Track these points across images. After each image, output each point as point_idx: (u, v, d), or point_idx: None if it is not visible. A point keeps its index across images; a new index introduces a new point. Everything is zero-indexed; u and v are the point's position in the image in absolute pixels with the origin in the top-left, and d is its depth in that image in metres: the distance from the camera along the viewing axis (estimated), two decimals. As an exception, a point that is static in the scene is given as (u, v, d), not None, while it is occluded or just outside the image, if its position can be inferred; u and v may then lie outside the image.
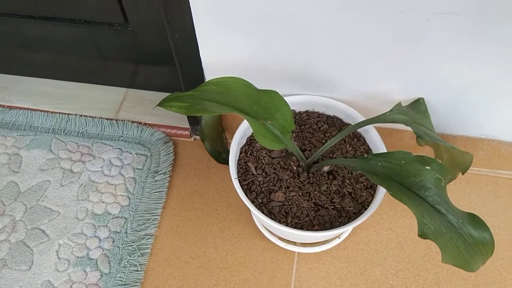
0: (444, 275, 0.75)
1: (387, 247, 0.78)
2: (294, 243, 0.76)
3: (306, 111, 0.74)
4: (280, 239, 0.77)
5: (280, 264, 0.77)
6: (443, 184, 0.56)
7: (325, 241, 0.76)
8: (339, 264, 0.76)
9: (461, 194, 0.83)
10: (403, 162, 0.56)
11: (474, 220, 0.55)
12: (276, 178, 0.68)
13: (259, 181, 0.67)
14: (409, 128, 0.73)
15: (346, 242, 0.78)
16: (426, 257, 0.76)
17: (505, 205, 0.82)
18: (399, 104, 0.67)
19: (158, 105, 0.61)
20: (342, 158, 0.71)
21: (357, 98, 0.73)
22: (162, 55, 0.88)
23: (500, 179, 0.85)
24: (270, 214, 0.64)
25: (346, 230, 0.63)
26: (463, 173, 0.74)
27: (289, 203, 0.65)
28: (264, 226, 0.78)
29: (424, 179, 0.55)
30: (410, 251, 0.77)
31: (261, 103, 0.60)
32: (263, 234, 0.78)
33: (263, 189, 0.67)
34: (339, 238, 0.76)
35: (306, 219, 0.63)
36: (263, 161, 0.69)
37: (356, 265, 0.76)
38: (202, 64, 0.72)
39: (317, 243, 0.76)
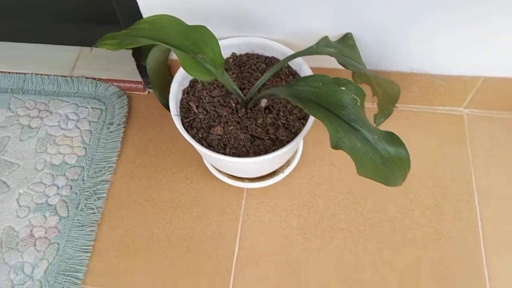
0: (381, 203, 0.80)
1: (329, 180, 0.83)
2: (242, 180, 0.81)
3: (246, 54, 0.78)
4: (229, 177, 0.81)
5: (229, 200, 0.82)
6: (359, 103, 0.60)
7: (270, 176, 0.81)
8: (284, 197, 0.81)
9: (399, 130, 0.87)
10: (321, 84, 0.60)
11: (391, 137, 0.60)
12: (216, 114, 0.72)
13: (200, 119, 0.72)
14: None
15: (291, 178, 0.83)
16: (365, 188, 0.81)
17: (441, 139, 0.87)
18: (326, 37, 0.71)
19: (94, 45, 0.64)
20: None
21: (292, 38, 0.77)
22: (109, 13, 0.91)
23: (436, 115, 0.89)
24: (209, 146, 0.68)
25: (279, 155, 0.67)
26: (394, 105, 0.79)
27: (227, 136, 0.69)
28: (213, 167, 0.83)
29: (340, 99, 0.59)
30: (350, 183, 0.82)
31: (191, 38, 0.63)
32: (213, 174, 0.83)
33: (203, 125, 0.71)
34: (283, 173, 0.81)
35: (243, 149, 0.68)
36: (204, 101, 0.73)
37: (300, 197, 0.81)
38: (140, 8, 0.75)
39: (263, 177, 0.81)
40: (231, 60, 0.78)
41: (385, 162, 0.60)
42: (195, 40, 0.64)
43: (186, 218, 0.80)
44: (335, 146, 0.56)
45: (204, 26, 0.63)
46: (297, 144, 0.72)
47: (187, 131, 0.70)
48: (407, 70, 0.81)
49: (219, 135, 0.69)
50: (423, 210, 0.79)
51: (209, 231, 0.79)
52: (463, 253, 0.75)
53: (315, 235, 0.77)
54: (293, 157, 0.82)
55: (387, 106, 0.81)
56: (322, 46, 0.69)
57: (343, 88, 0.59)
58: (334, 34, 0.75)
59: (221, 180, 0.82)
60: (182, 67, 0.60)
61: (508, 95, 0.84)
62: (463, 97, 0.86)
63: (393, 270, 0.74)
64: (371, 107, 0.71)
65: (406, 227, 0.77)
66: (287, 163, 0.82)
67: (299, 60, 0.72)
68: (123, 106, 0.91)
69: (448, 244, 0.75)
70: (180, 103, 0.73)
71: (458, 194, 0.80)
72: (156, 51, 0.71)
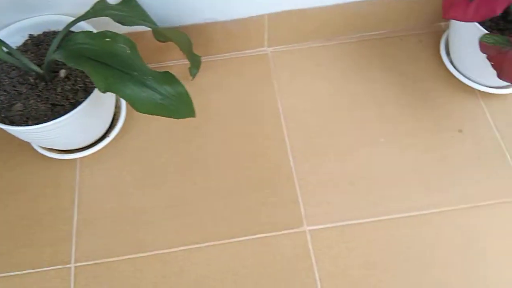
0: (203, 141, 0.89)
1: (156, 134, 0.90)
2: (72, 152, 0.85)
3: (43, 32, 0.82)
4: (59, 152, 0.85)
5: (64, 174, 0.86)
6: (128, 51, 0.67)
7: (98, 142, 0.86)
8: (115, 158, 0.87)
9: (215, 78, 0.96)
10: (89, 40, 0.66)
11: (166, 77, 0.68)
12: (16, 93, 0.75)
13: (1, 100, 0.74)
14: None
15: (119, 140, 0.89)
16: (189, 133, 0.90)
17: (251, 78, 0.97)
18: (103, 1, 0.77)
19: None
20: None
21: (84, 9, 0.82)
22: None
23: (246, 58, 0.99)
24: (12, 123, 0.72)
25: (76, 113, 0.72)
26: (190, 53, 0.87)
27: (28, 110, 0.73)
28: (41, 147, 0.86)
29: (109, 50, 0.66)
30: (175, 133, 0.90)
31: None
32: (44, 154, 0.86)
33: (5, 105, 0.74)
34: (108, 136, 0.86)
35: (44, 118, 0.72)
36: (4, 83, 0.76)
37: (130, 155, 0.87)
38: None
39: (92, 145, 0.86)
40: (29, 41, 0.81)
41: (165, 98, 0.68)
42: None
43: (22, 199, 0.83)
44: (105, 90, 0.63)
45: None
46: (97, 102, 0.77)
47: (-9, 115, 0.72)
48: (201, 21, 0.90)
49: (20, 110, 0.73)
50: (241, 137, 0.89)
51: (47, 206, 0.82)
52: (276, 164, 0.86)
53: (148, 183, 0.85)
54: (117, 120, 0.88)
55: (191, 56, 0.90)
56: (99, 9, 0.75)
57: (109, 40, 0.66)
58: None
59: (52, 158, 0.86)
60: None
61: (297, 27, 0.96)
62: (261, 37, 0.97)
63: (220, 195, 0.83)
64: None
65: (228, 156, 0.87)
66: (112, 126, 0.88)
67: (83, 25, 0.77)
68: None
69: (262, 160, 0.87)
70: (-20, 90, 0.75)
71: (267, 118, 0.91)
72: None
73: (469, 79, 0.91)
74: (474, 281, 0.74)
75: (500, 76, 0.78)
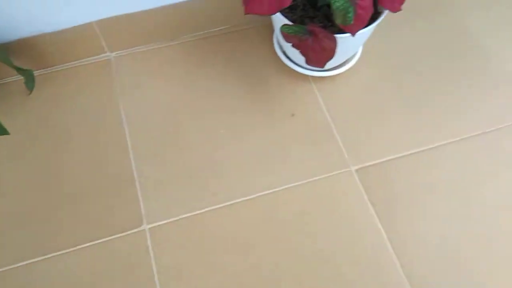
0: (45, 153, 0.88)
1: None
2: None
3: None
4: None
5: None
6: None
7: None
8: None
9: (59, 89, 0.96)
10: None
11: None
12: None
13: None
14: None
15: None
16: (22, 152, 0.89)
17: (94, 86, 0.97)
18: None
19: None
20: None
21: None
22: None
23: (88, 65, 0.99)
24: None
25: None
26: (17, 67, 0.86)
27: None
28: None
29: None
30: (12, 147, 0.89)
31: None
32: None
33: None
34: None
35: None
36: None
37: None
38: None
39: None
40: None
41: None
42: None
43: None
44: None
45: None
46: None
47: None
48: (27, 35, 0.89)
49: None
50: (84, 146, 0.89)
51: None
52: (118, 169, 0.87)
53: None
54: None
55: (21, 71, 0.89)
56: None
57: None
58: None
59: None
60: None
61: (135, 30, 0.98)
62: (98, 43, 0.97)
63: (64, 203, 0.83)
64: None
65: (70, 166, 0.87)
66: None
67: None
68: None
69: (105, 166, 0.88)
70: None
71: (110, 124, 0.92)
72: None
73: (300, 66, 0.98)
74: (303, 257, 0.81)
75: (307, 62, 0.84)
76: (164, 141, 0.90)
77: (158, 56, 1.01)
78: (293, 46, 0.82)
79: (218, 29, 1.04)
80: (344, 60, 0.97)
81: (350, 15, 0.74)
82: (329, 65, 0.95)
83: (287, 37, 0.81)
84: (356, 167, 0.88)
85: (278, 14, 0.84)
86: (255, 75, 0.99)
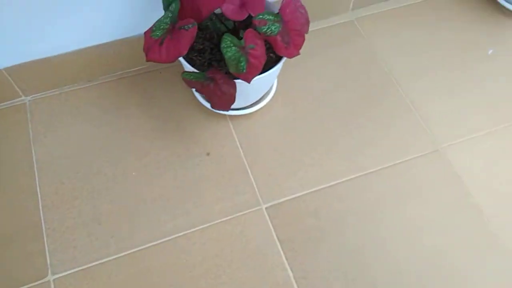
0: None
1: None
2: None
3: None
4: None
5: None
6: None
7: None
8: None
9: None
10: None
11: None
12: None
13: None
14: None
15: None
16: None
17: (7, 129, 0.97)
18: None
19: None
20: None
21: None
22: None
23: (3, 110, 0.99)
24: None
25: None
26: None
27: None
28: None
29: None
30: None
31: None
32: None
33: None
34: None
35: None
36: None
37: None
38: None
39: None
40: None
41: None
42: None
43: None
44: None
45: None
46: None
47: None
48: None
49: None
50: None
51: None
52: (26, 217, 0.86)
53: None
54: None
55: None
56: None
57: None
58: None
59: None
60: None
61: (49, 73, 0.97)
62: (11, 88, 0.96)
63: None
64: None
65: None
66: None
67: None
68: None
69: (13, 214, 0.86)
70: None
71: (21, 170, 0.91)
72: None
73: (216, 104, 1.00)
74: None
75: (212, 106, 0.86)
76: (73, 187, 0.90)
77: (75, 98, 1.01)
78: (197, 91, 0.84)
79: (135, 69, 1.05)
80: (258, 98, 1.00)
81: (242, 64, 0.76)
82: (244, 103, 0.97)
83: (189, 83, 0.83)
84: (267, 205, 0.90)
85: (182, 60, 0.86)
86: (171, 115, 1.00)
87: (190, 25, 0.75)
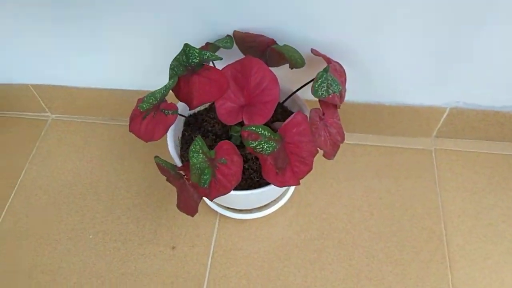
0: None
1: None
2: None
3: None
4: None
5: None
6: None
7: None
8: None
9: None
10: None
11: None
12: None
13: None
14: None
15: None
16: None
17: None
18: None
19: None
20: None
21: None
22: None
23: (23, 120, 1.00)
24: None
25: None
26: None
27: None
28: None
29: None
30: None
31: None
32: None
33: None
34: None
35: None
36: None
37: None
38: None
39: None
40: None
41: None
42: None
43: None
44: None
45: None
46: None
47: None
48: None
49: None
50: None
51: None
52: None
53: None
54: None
55: None
56: None
57: None
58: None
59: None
60: None
61: (69, 100, 0.95)
62: (37, 103, 0.97)
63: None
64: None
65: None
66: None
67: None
68: None
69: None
70: None
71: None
72: None
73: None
74: None
75: (177, 205, 0.71)
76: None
77: (92, 131, 0.97)
78: (167, 180, 0.70)
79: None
80: (258, 206, 0.82)
81: (205, 177, 0.60)
82: (244, 206, 0.81)
83: (160, 169, 0.70)
84: None
85: (168, 137, 0.73)
86: (160, 190, 0.89)
87: (170, 111, 0.63)
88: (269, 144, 0.60)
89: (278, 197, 0.83)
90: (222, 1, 0.69)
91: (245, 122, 0.62)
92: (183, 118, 0.79)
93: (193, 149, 0.60)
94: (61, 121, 0.99)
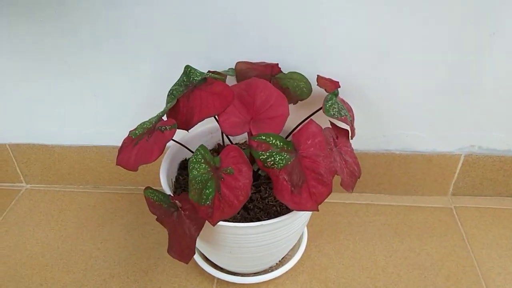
0: None
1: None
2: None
3: None
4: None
5: None
6: None
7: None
8: None
9: None
10: None
11: None
12: None
13: None
14: None
15: None
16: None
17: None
18: None
19: None
20: None
21: None
22: None
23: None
24: None
25: None
26: None
27: None
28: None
29: None
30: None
31: None
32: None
33: None
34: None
35: None
36: None
37: None
38: None
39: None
40: None
41: None
42: None
43: None
44: None
45: None
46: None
47: None
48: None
49: None
50: None
51: None
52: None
53: None
54: None
55: None
56: None
57: None
58: None
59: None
60: None
61: (53, 167, 0.87)
62: (14, 170, 0.87)
63: None
64: None
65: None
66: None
67: None
68: None
69: None
70: None
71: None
72: None
73: (208, 260, 0.71)
74: None
75: (168, 249, 0.58)
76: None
77: (70, 200, 0.86)
78: (157, 220, 0.59)
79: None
80: (267, 264, 0.68)
81: (208, 191, 0.50)
82: (244, 267, 0.67)
83: (150, 205, 0.58)
84: None
85: (161, 170, 0.64)
86: (153, 251, 0.75)
87: (168, 127, 0.55)
88: (282, 156, 0.52)
89: (284, 257, 0.70)
90: (223, 37, 0.69)
91: (253, 133, 0.54)
92: (178, 161, 0.71)
93: (194, 160, 0.51)
94: (36, 191, 0.88)
